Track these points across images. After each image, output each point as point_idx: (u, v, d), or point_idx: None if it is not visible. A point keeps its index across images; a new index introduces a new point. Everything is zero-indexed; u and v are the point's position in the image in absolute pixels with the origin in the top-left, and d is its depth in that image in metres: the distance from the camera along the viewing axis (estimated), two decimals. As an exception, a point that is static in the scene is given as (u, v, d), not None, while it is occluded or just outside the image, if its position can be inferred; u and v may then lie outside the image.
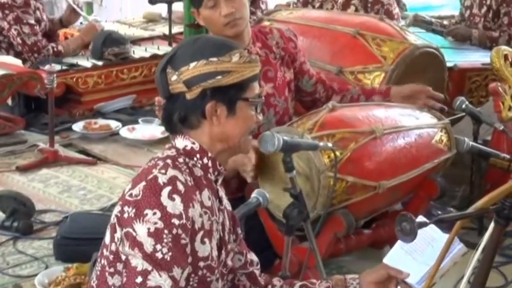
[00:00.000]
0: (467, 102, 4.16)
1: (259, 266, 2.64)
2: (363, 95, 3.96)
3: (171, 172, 2.26)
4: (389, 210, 3.90)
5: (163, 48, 6.55)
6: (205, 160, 2.37)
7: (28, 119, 5.85)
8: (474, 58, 5.44)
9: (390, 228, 3.83)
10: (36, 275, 3.68)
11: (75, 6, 6.64)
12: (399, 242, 2.58)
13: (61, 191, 4.79)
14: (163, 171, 2.26)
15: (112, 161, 5.29)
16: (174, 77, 2.35)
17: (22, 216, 4.21)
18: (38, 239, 4.15)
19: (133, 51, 6.40)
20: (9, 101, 5.81)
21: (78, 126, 5.73)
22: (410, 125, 3.71)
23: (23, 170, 5.05)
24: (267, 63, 3.73)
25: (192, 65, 2.33)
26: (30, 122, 5.84)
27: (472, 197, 4.10)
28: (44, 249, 4.03)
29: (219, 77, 2.33)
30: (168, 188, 2.23)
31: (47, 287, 3.58)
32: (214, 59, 2.33)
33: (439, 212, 4.10)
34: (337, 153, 3.29)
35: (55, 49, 6.22)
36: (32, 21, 6.13)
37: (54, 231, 4.14)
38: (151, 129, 5.65)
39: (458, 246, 2.43)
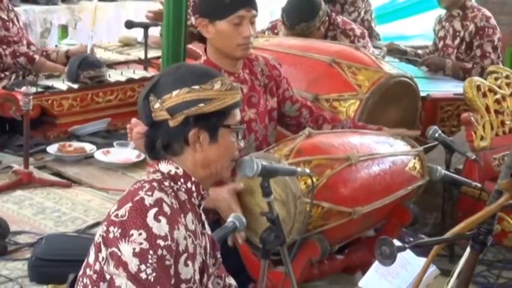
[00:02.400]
0: (440, 132, 4.23)
1: (237, 290, 2.72)
2: (353, 128, 4.01)
3: (158, 194, 2.31)
4: (362, 237, 3.93)
5: (139, 73, 6.63)
6: (189, 184, 2.43)
7: (2, 140, 5.88)
8: (446, 88, 5.53)
9: (363, 254, 3.90)
10: (11, 295, 3.72)
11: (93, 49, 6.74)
12: (374, 266, 2.67)
13: (35, 212, 4.81)
14: (149, 193, 2.31)
15: (86, 184, 5.32)
16: (157, 105, 2.40)
17: (-4, 237, 4.23)
18: (12, 260, 4.17)
19: (109, 75, 6.43)
20: (-17, 122, 5.87)
21: (52, 149, 5.75)
22: (385, 152, 3.75)
23: (-3, 191, 5.06)
24: (252, 89, 3.80)
25: (175, 92, 2.39)
26: (4, 144, 5.87)
27: (444, 225, 4.20)
28: (18, 271, 4.05)
29: (202, 104, 2.39)
30: (155, 210, 2.27)
31: (22, 307, 3.64)
32: (197, 86, 2.39)
33: (411, 239, 4.16)
34: (314, 179, 3.32)
35: (29, 53, 6.25)
36: (3, 16, 6.11)
37: (29, 252, 4.16)
38: (126, 152, 5.69)
39: (431, 269, 2.51)
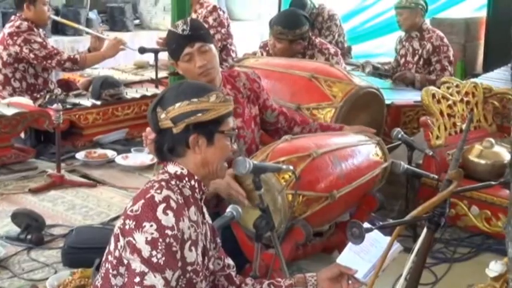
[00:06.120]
0: (402, 133, 4.23)
1: (235, 269, 2.67)
2: (320, 129, 3.99)
3: (165, 192, 2.31)
4: (337, 222, 3.91)
5: (151, 90, 6.60)
6: (192, 182, 2.42)
7: (38, 149, 5.83)
8: (408, 97, 5.53)
9: (338, 236, 3.88)
10: (47, 278, 3.68)
11: (98, 34, 6.59)
12: (349, 245, 2.64)
13: (67, 208, 4.77)
14: (159, 191, 2.31)
15: (109, 184, 5.28)
16: (163, 115, 2.41)
17: (35, 230, 4.20)
18: (48, 248, 4.14)
19: (126, 93, 6.41)
20: (22, 135, 5.81)
21: (80, 155, 5.74)
22: (348, 144, 3.74)
23: (35, 191, 5.04)
24: (236, 101, 3.72)
25: (177, 105, 2.39)
26: (40, 152, 5.82)
27: (408, 210, 4.18)
28: (53, 257, 4.02)
29: (200, 114, 2.39)
30: (163, 205, 2.27)
31: (56, 288, 3.60)
32: (195, 99, 2.40)
33: (380, 223, 4.15)
34: (289, 173, 3.31)
35: (70, 56, 6.16)
36: (39, 40, 6.02)
37: (62, 242, 4.13)
38: (141, 157, 5.66)
39: (395, 246, 2.49)
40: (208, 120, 2.40)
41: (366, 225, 2.39)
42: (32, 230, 4.20)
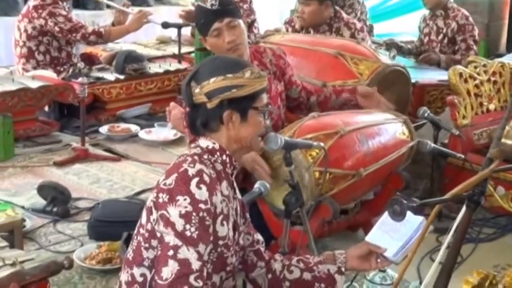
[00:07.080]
0: (428, 112, 4.21)
1: (264, 244, 2.66)
2: (333, 94, 3.98)
3: (199, 166, 2.30)
4: (362, 200, 3.91)
5: (174, 65, 6.59)
6: (224, 157, 2.41)
7: (62, 122, 5.86)
8: (432, 76, 5.48)
9: (363, 214, 3.89)
10: (73, 251, 3.71)
11: (123, 8, 6.57)
12: (378, 223, 2.63)
13: (91, 182, 4.79)
14: (192, 165, 2.30)
15: (133, 158, 5.30)
16: (197, 90, 2.38)
17: (60, 203, 4.22)
18: (74, 221, 4.16)
19: (149, 68, 6.41)
20: (46, 108, 5.84)
21: (103, 129, 5.76)
22: (375, 122, 3.73)
23: (60, 164, 5.06)
24: None
25: (212, 80, 2.37)
26: (64, 125, 5.86)
27: (432, 190, 4.18)
28: (79, 230, 4.04)
29: (234, 90, 2.36)
30: (196, 179, 2.26)
31: (83, 260, 3.61)
32: (230, 75, 2.37)
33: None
34: (317, 151, 3.31)
35: (95, 29, 6.16)
36: (64, 13, 6.01)
37: (87, 215, 4.15)
38: (165, 132, 5.66)
39: (423, 224, 2.47)
40: (243, 96, 2.38)
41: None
42: (58, 202, 4.22)
